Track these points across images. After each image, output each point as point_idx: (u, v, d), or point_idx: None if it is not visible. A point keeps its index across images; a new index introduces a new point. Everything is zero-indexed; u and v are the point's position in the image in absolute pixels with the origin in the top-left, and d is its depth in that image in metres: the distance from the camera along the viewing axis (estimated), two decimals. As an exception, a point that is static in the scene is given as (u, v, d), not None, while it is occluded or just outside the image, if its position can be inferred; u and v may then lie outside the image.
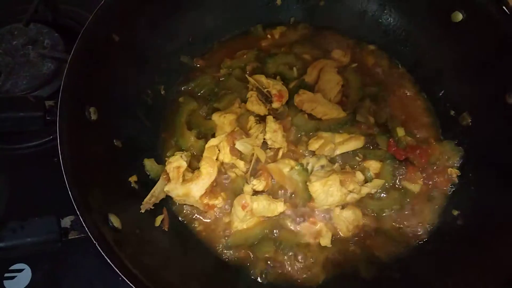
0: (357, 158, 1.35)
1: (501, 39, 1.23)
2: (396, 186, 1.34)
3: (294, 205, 1.30)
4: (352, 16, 1.63)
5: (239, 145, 1.30)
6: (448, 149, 1.37)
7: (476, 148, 1.34)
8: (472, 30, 1.32)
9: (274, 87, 1.42)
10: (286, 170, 1.29)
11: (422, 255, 1.26)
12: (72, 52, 1.08)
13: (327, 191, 1.23)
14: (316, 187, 1.23)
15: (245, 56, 1.57)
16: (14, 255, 1.21)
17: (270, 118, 1.35)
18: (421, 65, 1.53)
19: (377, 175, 1.33)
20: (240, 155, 1.32)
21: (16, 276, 1.27)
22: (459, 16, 1.34)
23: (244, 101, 1.43)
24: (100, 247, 0.91)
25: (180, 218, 1.31)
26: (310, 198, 1.27)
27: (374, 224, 1.30)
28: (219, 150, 1.31)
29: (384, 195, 1.33)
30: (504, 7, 1.22)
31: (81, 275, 1.30)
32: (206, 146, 1.32)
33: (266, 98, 1.41)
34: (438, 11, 1.41)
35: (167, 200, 1.29)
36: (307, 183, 1.25)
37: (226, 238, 1.27)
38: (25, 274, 1.28)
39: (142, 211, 1.19)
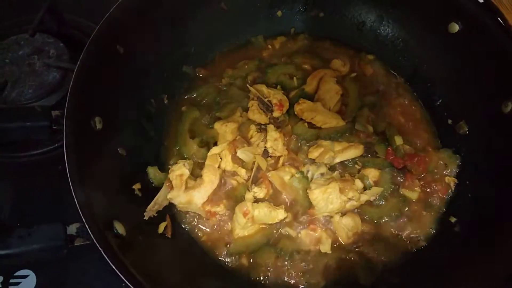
0: (356, 166, 1.37)
1: (496, 49, 1.26)
2: (395, 193, 1.35)
3: (294, 212, 1.31)
4: (351, 27, 1.67)
5: (240, 154, 1.32)
6: (445, 157, 1.39)
7: (473, 156, 1.36)
8: (468, 41, 1.35)
9: (275, 96, 1.45)
10: (286, 177, 1.31)
11: (421, 261, 1.27)
12: (77, 64, 1.10)
13: (327, 198, 1.24)
14: (316, 195, 1.25)
15: (246, 66, 1.59)
16: (21, 262, 1.22)
17: (271, 127, 1.38)
18: (419, 75, 1.56)
19: (376, 183, 1.34)
20: (241, 163, 1.34)
21: (21, 282, 1.28)
22: (455, 27, 1.37)
23: (246, 110, 1.45)
24: (105, 254, 0.92)
25: (182, 225, 1.32)
26: (310, 205, 1.28)
27: (373, 231, 1.31)
28: (221, 158, 1.33)
29: (383, 203, 1.34)
30: (499, 19, 1.25)
31: (85, 281, 1.30)
32: (208, 154, 1.33)
33: (267, 107, 1.43)
34: (435, 22, 1.44)
35: (170, 208, 1.30)
36: (307, 191, 1.27)
37: (228, 245, 1.28)
38: (30, 280, 1.28)
39: (146, 218, 1.20)
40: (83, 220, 0.93)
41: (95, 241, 0.93)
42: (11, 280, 1.28)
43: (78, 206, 0.94)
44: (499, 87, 1.27)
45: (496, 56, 1.26)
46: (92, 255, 1.28)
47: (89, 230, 0.93)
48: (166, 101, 1.50)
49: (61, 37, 1.69)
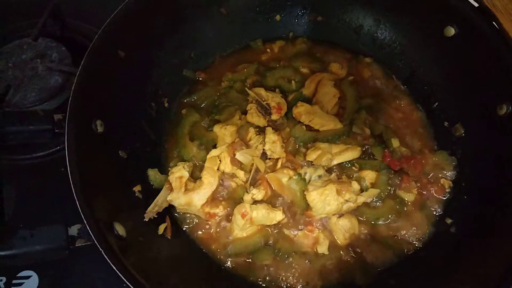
0: (353, 168, 1.38)
1: (491, 53, 1.27)
2: (391, 195, 1.36)
3: (292, 214, 1.32)
4: (349, 30, 1.69)
5: (239, 156, 1.33)
6: (441, 159, 1.40)
7: (469, 158, 1.37)
8: (464, 44, 1.36)
9: (273, 99, 1.46)
10: (284, 179, 1.32)
11: (417, 263, 1.28)
12: (79, 68, 1.12)
13: (324, 200, 1.25)
14: (314, 196, 1.25)
15: (245, 70, 1.61)
16: (24, 262, 1.24)
17: (269, 130, 1.39)
18: (416, 78, 1.58)
19: (373, 185, 1.36)
20: (240, 165, 1.35)
21: (23, 282, 1.29)
22: (451, 31, 1.38)
23: (244, 113, 1.47)
24: (105, 254, 0.94)
25: (182, 227, 1.34)
26: (307, 207, 1.29)
27: (370, 232, 1.33)
28: (220, 161, 1.34)
29: (380, 204, 1.35)
30: (494, 23, 1.27)
31: (87, 282, 1.32)
32: (208, 156, 1.35)
33: (265, 110, 1.45)
34: (431, 26, 1.46)
35: (170, 209, 1.32)
36: (305, 193, 1.28)
37: (227, 246, 1.30)
38: (33, 280, 1.30)
39: (146, 219, 1.21)
40: (84, 221, 0.95)
41: (96, 242, 0.95)
42: (14, 281, 1.30)
43: (79, 208, 0.96)
44: (494, 90, 1.28)
45: (491, 59, 1.28)
46: (94, 256, 1.29)
47: (90, 231, 0.95)
48: (166, 105, 1.52)
49: (64, 41, 1.72)
